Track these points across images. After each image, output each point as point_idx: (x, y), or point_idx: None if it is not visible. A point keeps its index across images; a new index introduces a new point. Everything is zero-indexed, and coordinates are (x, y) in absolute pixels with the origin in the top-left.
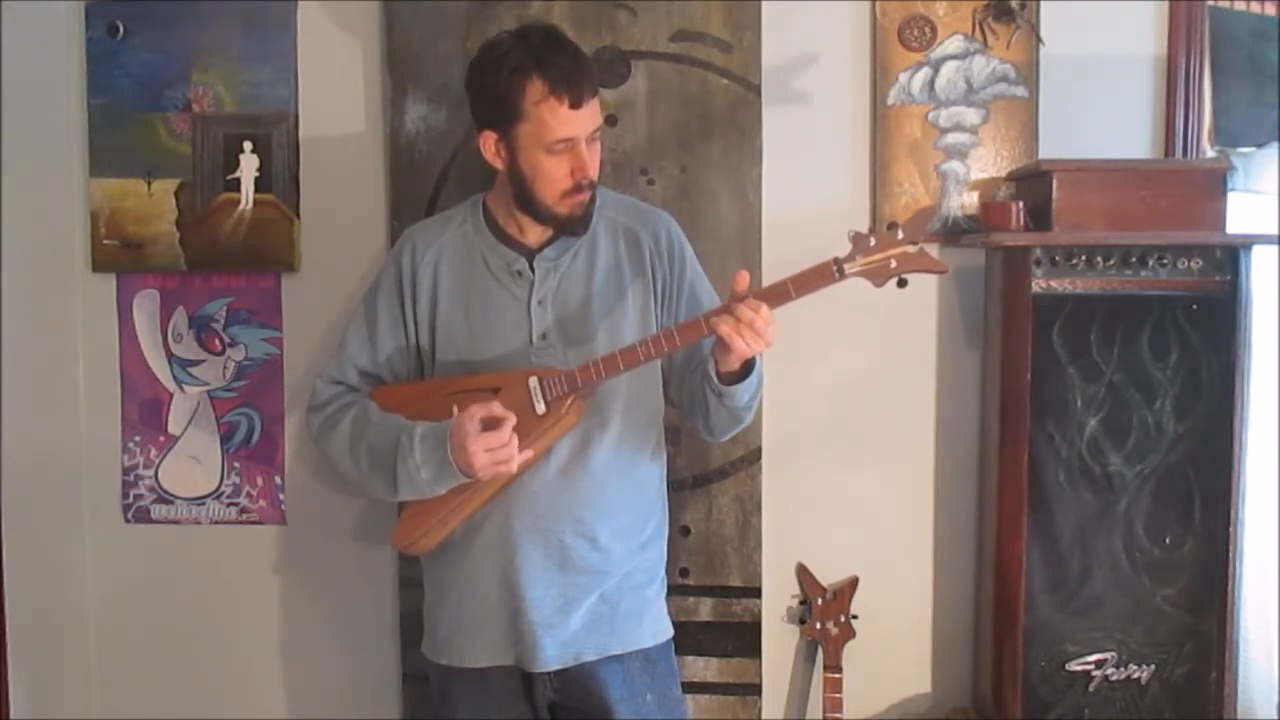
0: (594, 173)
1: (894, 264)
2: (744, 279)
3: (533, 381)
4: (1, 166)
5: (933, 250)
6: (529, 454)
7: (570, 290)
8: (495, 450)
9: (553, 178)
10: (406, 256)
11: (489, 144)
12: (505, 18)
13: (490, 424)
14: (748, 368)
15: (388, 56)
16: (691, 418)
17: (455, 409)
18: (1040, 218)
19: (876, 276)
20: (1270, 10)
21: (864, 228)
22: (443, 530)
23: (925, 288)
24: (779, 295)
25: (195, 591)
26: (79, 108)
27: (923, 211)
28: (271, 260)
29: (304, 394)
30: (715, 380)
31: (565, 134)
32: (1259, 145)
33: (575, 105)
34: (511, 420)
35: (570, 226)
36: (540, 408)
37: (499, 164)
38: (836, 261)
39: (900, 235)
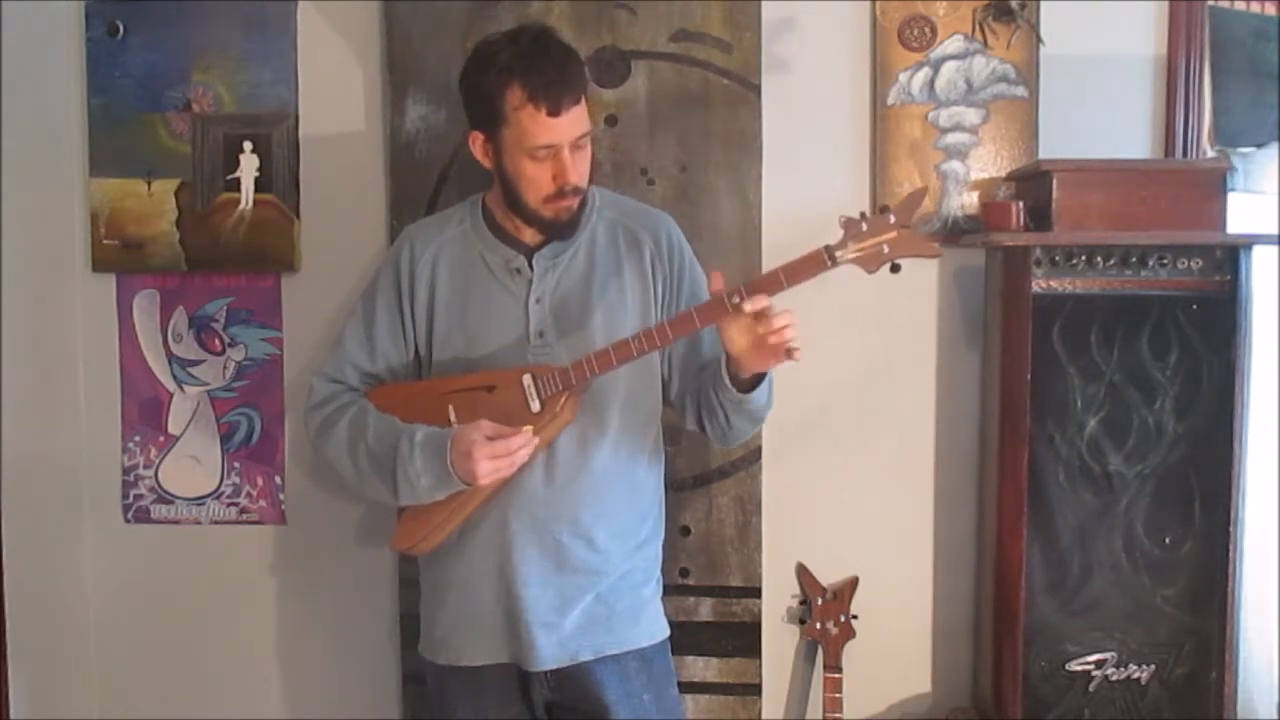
0: (577, 179)
1: (886, 249)
2: (718, 279)
3: (527, 379)
4: (1, 166)
5: None
6: (535, 441)
7: (569, 289)
8: (499, 458)
9: (536, 182)
10: (405, 255)
11: (477, 143)
12: (505, 18)
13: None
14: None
15: (388, 56)
16: (706, 427)
17: (451, 409)
18: (1040, 218)
19: (869, 263)
20: (1270, 10)
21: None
22: (442, 532)
23: (925, 287)
24: (771, 285)
25: (195, 591)
26: (79, 108)
27: (913, 194)
28: (271, 260)
29: (304, 395)
30: (731, 390)
31: (545, 141)
32: (1259, 145)
33: (553, 113)
34: (524, 436)
35: (556, 230)
36: (535, 405)
37: (487, 163)
38: (828, 249)
39: (892, 219)
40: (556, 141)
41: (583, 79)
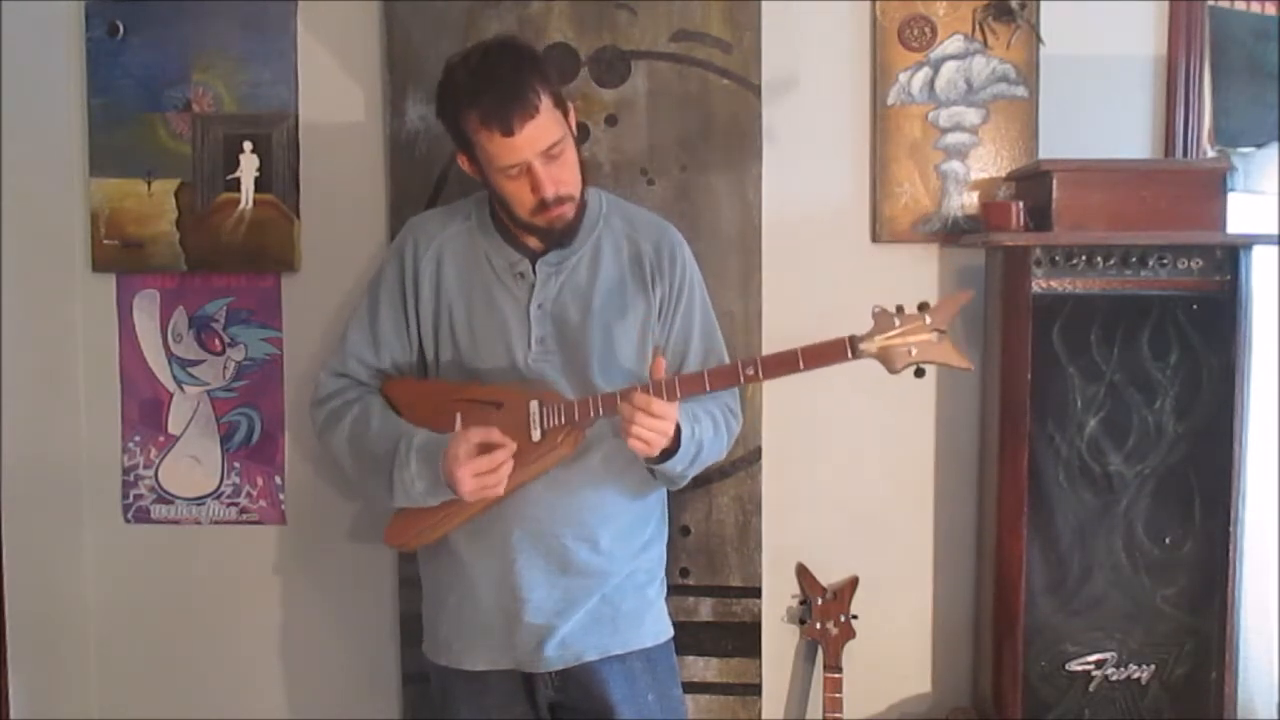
0: (556, 189)
1: (913, 351)
2: (659, 366)
3: (533, 405)
4: (2, 166)
5: (933, 250)
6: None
7: (570, 297)
8: (483, 475)
9: (518, 198)
10: (409, 251)
11: (464, 163)
12: (506, 17)
13: (487, 449)
14: (676, 441)
15: (388, 56)
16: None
17: (459, 418)
18: (1040, 218)
19: (893, 361)
20: (1270, 10)
21: (864, 228)
22: (435, 533)
23: (925, 287)
24: (787, 365)
25: (195, 591)
26: (79, 108)
27: (954, 298)
28: (271, 260)
29: (305, 394)
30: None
31: (510, 161)
32: (1259, 145)
33: (507, 134)
34: (509, 450)
35: (554, 238)
36: (536, 434)
37: (479, 180)
38: (852, 340)
39: (928, 320)
40: (521, 160)
41: (538, 91)
